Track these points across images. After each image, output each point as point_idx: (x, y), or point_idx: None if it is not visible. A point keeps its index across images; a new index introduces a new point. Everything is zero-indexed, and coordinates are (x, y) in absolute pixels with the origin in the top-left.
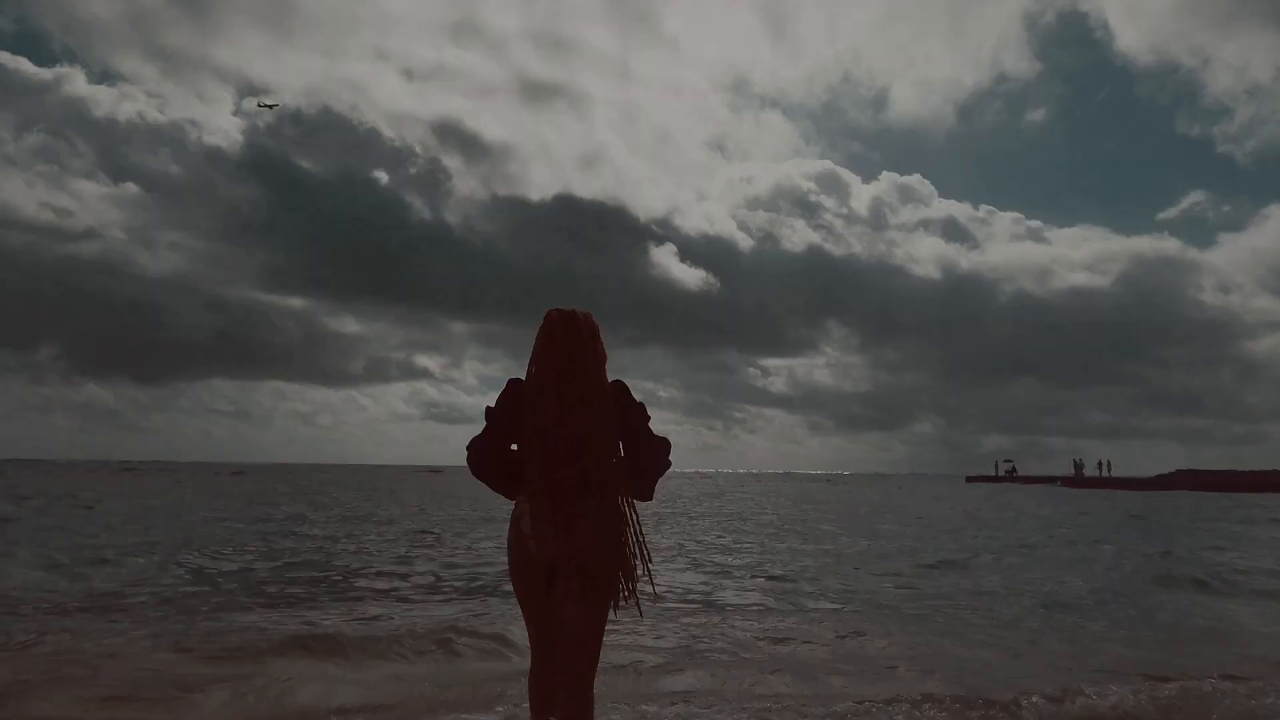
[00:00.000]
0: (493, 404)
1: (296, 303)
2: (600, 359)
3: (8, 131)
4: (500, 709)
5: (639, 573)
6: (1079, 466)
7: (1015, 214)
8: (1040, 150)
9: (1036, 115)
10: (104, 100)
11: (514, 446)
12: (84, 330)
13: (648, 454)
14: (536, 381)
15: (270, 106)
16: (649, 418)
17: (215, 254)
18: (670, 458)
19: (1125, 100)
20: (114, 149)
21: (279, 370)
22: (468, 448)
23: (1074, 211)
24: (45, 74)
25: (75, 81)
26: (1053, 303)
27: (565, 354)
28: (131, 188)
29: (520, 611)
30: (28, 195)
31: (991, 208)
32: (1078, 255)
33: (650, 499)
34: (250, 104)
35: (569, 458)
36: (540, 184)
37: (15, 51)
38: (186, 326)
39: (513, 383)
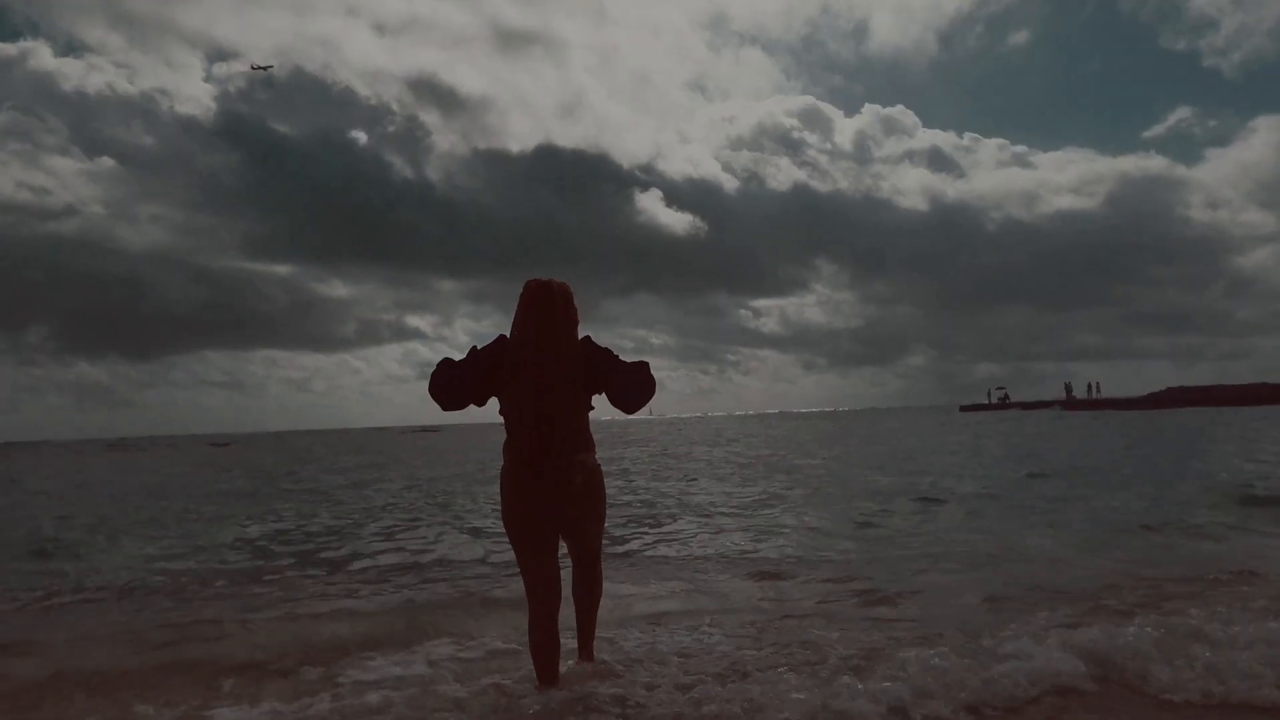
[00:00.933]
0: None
1: (282, 269)
2: (571, 321)
3: None
4: None
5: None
6: (1069, 390)
7: (1000, 140)
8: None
9: (1019, 38)
10: (72, 73)
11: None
12: (71, 309)
13: (623, 377)
14: (516, 340)
15: (265, 69)
16: (616, 355)
17: (197, 225)
18: (653, 374)
19: (1109, 18)
20: (86, 123)
21: (270, 338)
22: (438, 364)
23: (1059, 134)
24: (9, 49)
25: (41, 55)
26: (1041, 228)
27: (539, 316)
28: (107, 162)
29: (515, 555)
30: (3, 175)
31: (976, 135)
32: (1064, 178)
33: (634, 411)
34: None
35: (552, 411)
36: (520, 135)
37: None
38: (173, 300)
39: (500, 337)
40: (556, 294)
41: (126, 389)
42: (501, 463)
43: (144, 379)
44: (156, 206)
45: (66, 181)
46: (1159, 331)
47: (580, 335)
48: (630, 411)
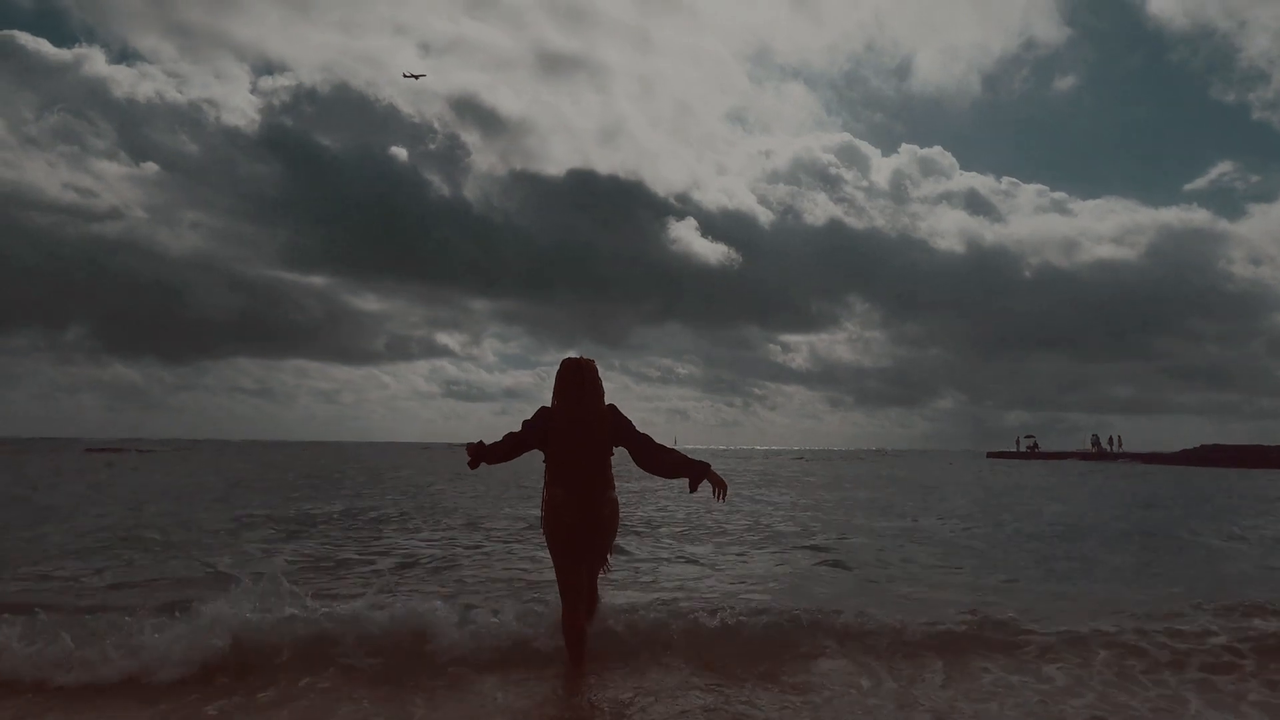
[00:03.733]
0: (528, 416)
1: (318, 281)
2: (599, 390)
3: (30, 112)
4: None
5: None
6: (1096, 441)
7: (1039, 185)
8: (1067, 120)
9: (1065, 83)
10: (123, 80)
11: (534, 449)
12: (110, 310)
13: (641, 447)
14: (557, 409)
15: (417, 77)
16: (633, 424)
17: (236, 233)
18: (669, 467)
19: (1157, 67)
20: (134, 129)
21: (301, 348)
22: (512, 434)
23: (1100, 183)
24: (65, 54)
25: (95, 61)
26: (1079, 276)
27: (577, 386)
28: (152, 167)
29: (553, 561)
30: (51, 176)
31: (1014, 180)
32: (1104, 227)
33: (679, 467)
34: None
35: (585, 465)
36: (559, 158)
37: (35, 32)
38: (210, 306)
39: (543, 409)
40: (586, 370)
41: (159, 391)
42: (544, 495)
43: (176, 382)
44: (198, 213)
45: (112, 185)
46: (1196, 387)
47: (605, 395)
48: (660, 474)
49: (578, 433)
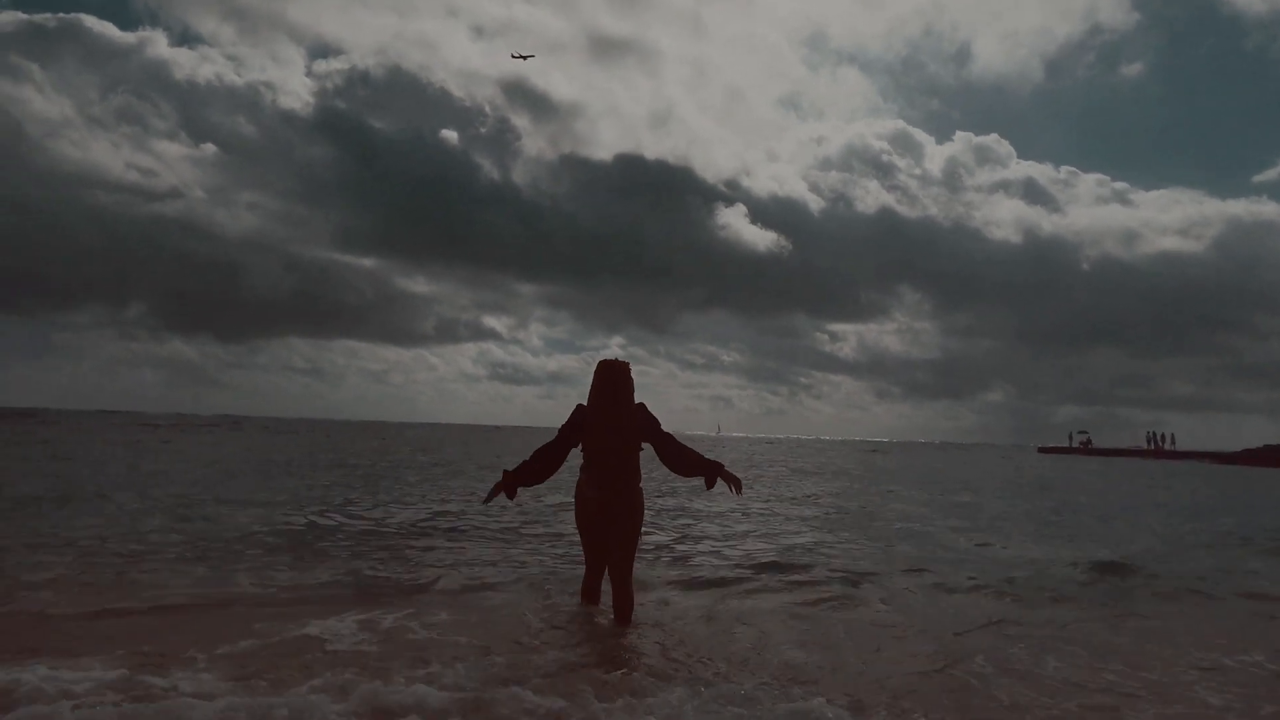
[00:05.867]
0: (564, 421)
1: (369, 263)
2: (630, 390)
3: (95, 93)
4: None
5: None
6: (1151, 439)
7: (1099, 175)
8: (1131, 108)
9: (1131, 70)
10: (184, 63)
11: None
12: (170, 288)
13: (664, 445)
14: (593, 406)
15: (525, 57)
16: (659, 423)
17: (291, 214)
18: (688, 467)
19: (1231, 53)
20: (194, 110)
21: (352, 329)
22: (541, 448)
23: (1164, 173)
24: (130, 37)
25: (158, 45)
26: (1140, 268)
27: (612, 386)
28: (210, 148)
29: (581, 542)
30: (114, 156)
31: (1074, 169)
32: (1168, 219)
33: (696, 466)
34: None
35: (614, 456)
36: (608, 143)
37: (102, 15)
38: (265, 286)
39: (579, 407)
40: (619, 372)
41: (215, 369)
42: (576, 481)
43: (231, 360)
44: (254, 194)
45: (172, 165)
46: (1261, 385)
47: (636, 393)
48: (681, 472)
49: (608, 431)
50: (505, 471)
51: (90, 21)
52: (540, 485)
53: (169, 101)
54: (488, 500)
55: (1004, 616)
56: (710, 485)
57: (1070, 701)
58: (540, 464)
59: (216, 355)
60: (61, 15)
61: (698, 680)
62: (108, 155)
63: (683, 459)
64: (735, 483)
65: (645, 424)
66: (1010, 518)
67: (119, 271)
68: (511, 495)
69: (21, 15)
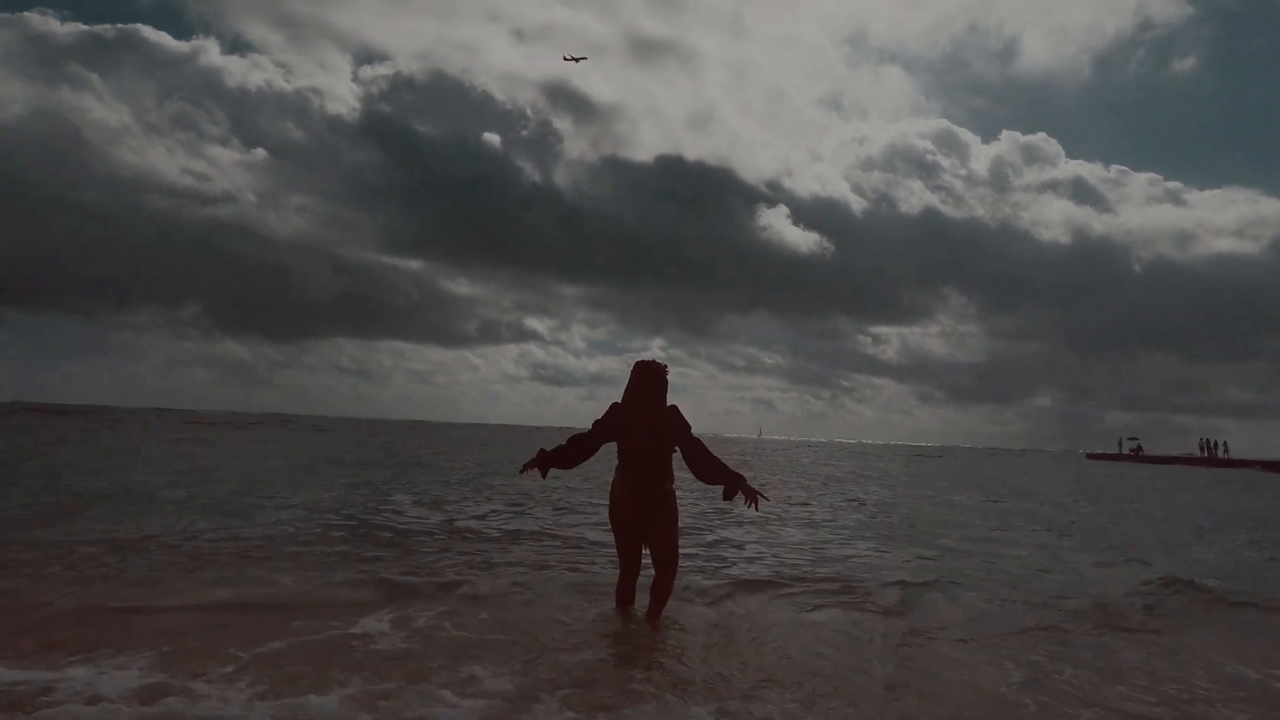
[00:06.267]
0: (600, 415)
1: (414, 265)
2: (664, 392)
3: (151, 101)
4: None
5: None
6: (1205, 446)
7: (1152, 174)
8: (1185, 104)
9: (1184, 65)
10: (236, 70)
11: (609, 442)
12: (222, 290)
13: (692, 450)
14: (628, 406)
15: (578, 60)
16: (690, 427)
17: (338, 217)
18: (711, 477)
19: None
20: (245, 116)
21: (397, 330)
22: (577, 435)
23: (1220, 172)
24: (184, 46)
25: (210, 53)
26: (1194, 270)
27: (647, 386)
28: (261, 153)
29: (615, 543)
30: (170, 161)
31: (1125, 168)
32: (1224, 219)
33: (718, 474)
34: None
35: (648, 457)
36: (649, 145)
37: (157, 25)
38: (313, 287)
39: (614, 405)
40: (656, 374)
41: (265, 368)
42: (612, 480)
43: (281, 360)
44: (303, 198)
45: (225, 170)
46: None
47: (669, 395)
48: (707, 481)
49: (642, 431)
50: (541, 450)
51: (147, 31)
52: (574, 477)
53: (222, 108)
54: (523, 471)
55: (1063, 636)
56: (728, 497)
57: None
58: (573, 450)
59: (267, 355)
60: (120, 26)
61: (719, 697)
62: (164, 161)
63: (709, 466)
64: (754, 498)
65: (677, 426)
66: (1072, 527)
67: (174, 273)
68: (544, 473)
69: (82, 26)
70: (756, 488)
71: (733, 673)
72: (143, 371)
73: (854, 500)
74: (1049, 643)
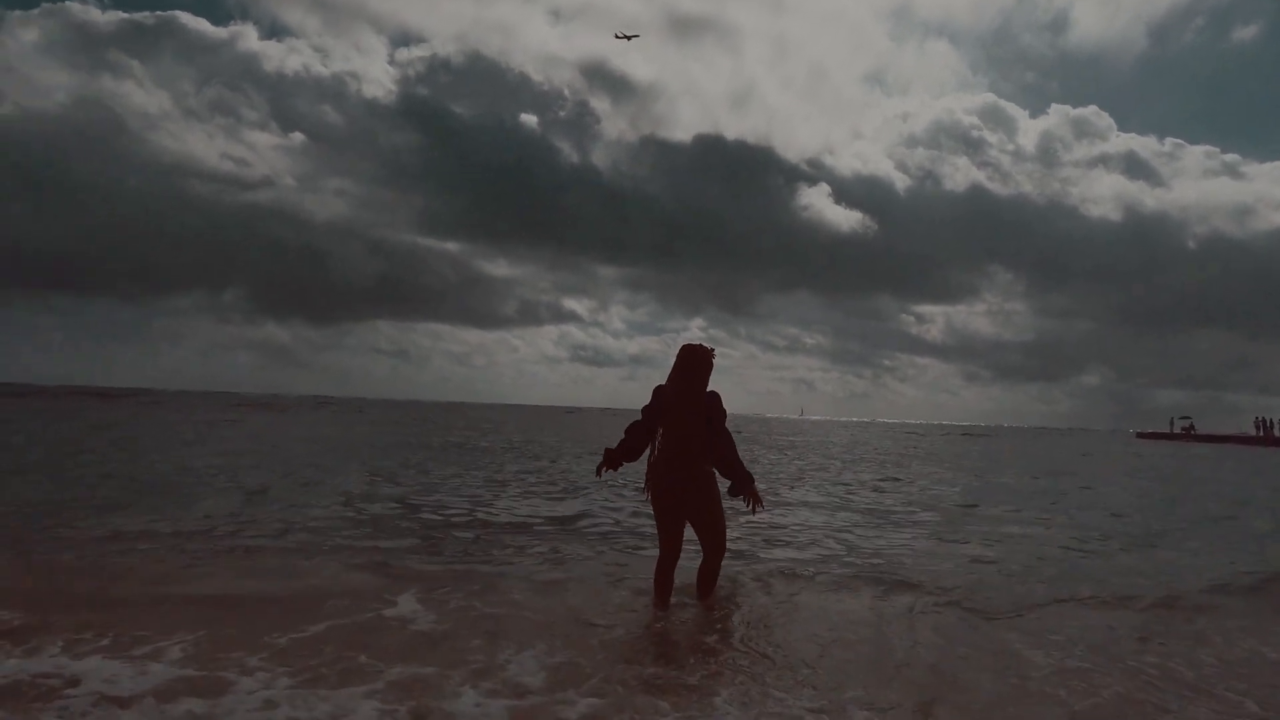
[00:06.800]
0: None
1: (452, 246)
2: (705, 377)
3: (190, 86)
4: None
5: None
6: (1261, 425)
7: (1208, 147)
8: (1245, 75)
9: (1245, 34)
10: (273, 55)
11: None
12: (263, 274)
13: (720, 438)
14: (671, 388)
15: (630, 38)
16: (725, 416)
17: (376, 200)
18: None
19: None
20: (283, 101)
21: (436, 312)
22: (632, 425)
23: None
24: (222, 32)
25: (248, 38)
26: (1252, 245)
27: (688, 372)
28: (299, 137)
29: (656, 525)
30: (209, 147)
31: (1180, 141)
32: None
33: (731, 469)
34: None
35: (690, 440)
36: (688, 124)
37: (196, 12)
38: (352, 270)
39: (657, 388)
40: (700, 356)
41: (306, 351)
42: (650, 460)
43: (322, 342)
44: (341, 181)
45: (263, 155)
46: None
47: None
48: (728, 475)
49: (685, 412)
50: (607, 449)
51: (185, 18)
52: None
53: (260, 93)
54: (599, 474)
55: (1140, 631)
56: (735, 494)
57: None
58: (632, 440)
59: (308, 338)
60: (159, 13)
61: (748, 684)
62: (203, 146)
63: (728, 459)
64: (757, 502)
65: (712, 412)
66: (1140, 512)
67: (216, 258)
68: (615, 468)
69: (122, 14)
70: (760, 495)
71: (766, 654)
72: (186, 355)
73: (896, 480)
74: (1100, 627)
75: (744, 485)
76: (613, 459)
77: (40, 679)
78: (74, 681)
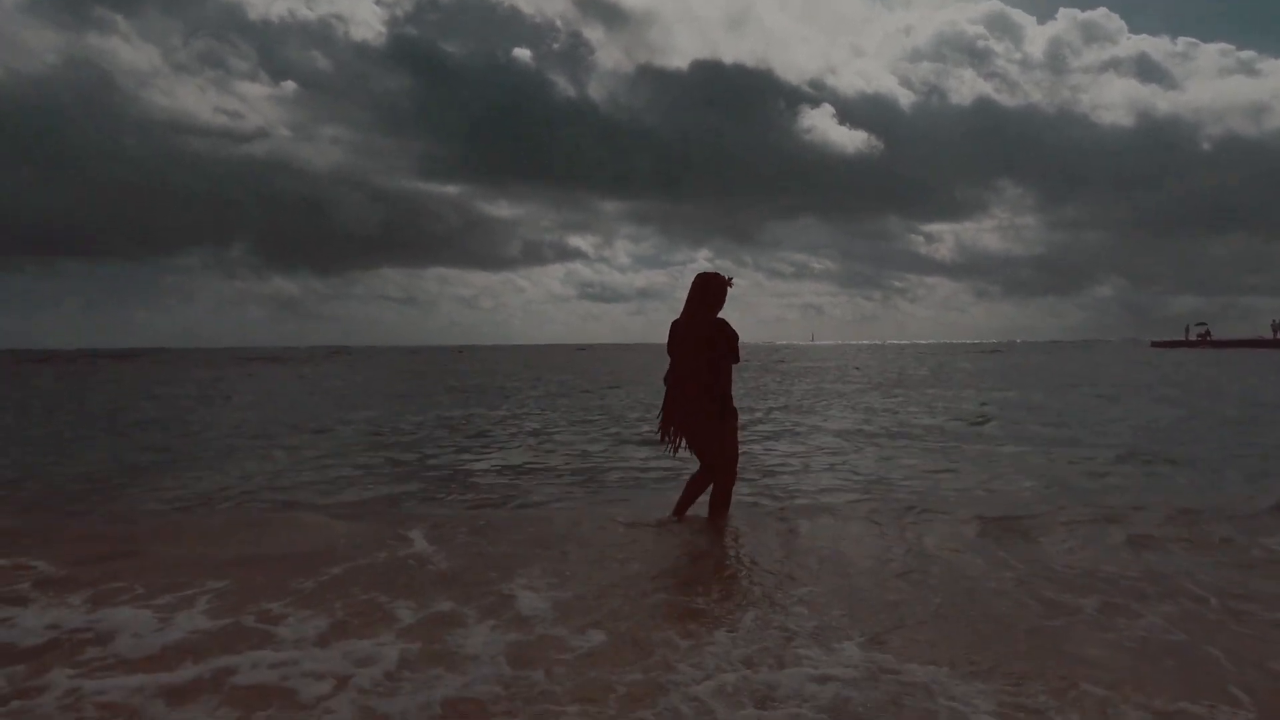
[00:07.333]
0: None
1: (452, 190)
2: (710, 303)
3: (178, 39)
4: None
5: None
6: (1278, 328)
7: (1223, 45)
8: None
9: None
10: (257, 2)
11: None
12: (266, 227)
13: (712, 362)
14: (681, 320)
15: None
16: (727, 343)
17: (372, 146)
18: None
19: None
20: (271, 49)
21: (441, 257)
22: (668, 373)
23: None
24: None
25: None
26: (1268, 145)
27: (695, 297)
28: (290, 85)
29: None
30: (201, 100)
31: (1193, 40)
32: None
33: (723, 383)
34: None
35: (684, 364)
36: (685, 50)
37: None
38: (354, 219)
39: (673, 323)
40: (709, 282)
41: (315, 302)
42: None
43: (330, 293)
44: (336, 128)
45: (256, 105)
46: None
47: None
48: (720, 388)
49: (686, 336)
50: (663, 409)
51: None
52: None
53: (248, 41)
54: (663, 439)
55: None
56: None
57: None
58: (669, 369)
59: (316, 289)
60: None
61: (756, 611)
62: (195, 100)
63: (702, 381)
64: (718, 432)
65: (711, 335)
66: (1168, 429)
67: (218, 214)
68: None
69: None
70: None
71: (774, 578)
72: (198, 313)
73: (934, 403)
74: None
75: (715, 415)
76: (670, 415)
77: (74, 633)
78: (105, 633)
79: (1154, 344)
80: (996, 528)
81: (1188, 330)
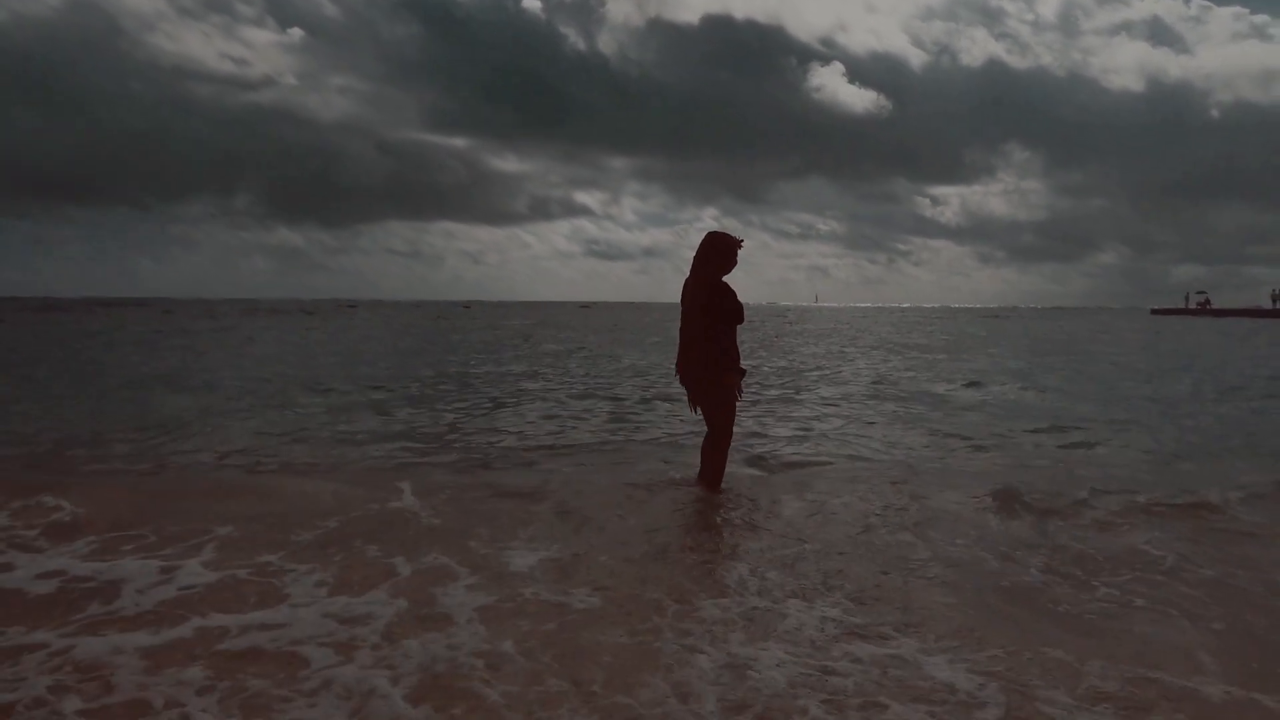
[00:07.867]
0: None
1: (460, 143)
2: (714, 263)
3: None
4: None
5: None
6: (1278, 298)
7: (1236, 9)
8: None
9: None
10: None
11: None
12: (272, 177)
13: (711, 329)
14: (689, 279)
15: None
16: (725, 301)
17: (381, 97)
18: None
19: None
20: None
21: (447, 210)
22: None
23: None
24: None
25: None
26: (1278, 112)
27: (696, 262)
28: (298, 33)
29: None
30: (207, 46)
31: (1207, 3)
32: None
33: (721, 341)
34: None
35: (688, 324)
36: (695, 4)
37: None
38: (361, 171)
39: (685, 281)
40: (715, 241)
41: (320, 254)
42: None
43: (336, 245)
44: (343, 78)
45: (262, 52)
46: None
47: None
48: (717, 343)
49: (689, 296)
50: (725, 371)
51: None
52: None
53: None
54: (694, 411)
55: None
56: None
57: None
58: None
59: (321, 241)
60: None
61: (744, 574)
62: (201, 46)
63: (696, 343)
64: (722, 390)
65: (708, 300)
66: (1162, 401)
67: (223, 162)
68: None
69: None
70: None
71: (764, 539)
72: (203, 262)
73: (941, 369)
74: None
75: (725, 373)
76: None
77: (78, 581)
78: (110, 581)
79: (1154, 311)
80: (1003, 496)
81: (1187, 298)
